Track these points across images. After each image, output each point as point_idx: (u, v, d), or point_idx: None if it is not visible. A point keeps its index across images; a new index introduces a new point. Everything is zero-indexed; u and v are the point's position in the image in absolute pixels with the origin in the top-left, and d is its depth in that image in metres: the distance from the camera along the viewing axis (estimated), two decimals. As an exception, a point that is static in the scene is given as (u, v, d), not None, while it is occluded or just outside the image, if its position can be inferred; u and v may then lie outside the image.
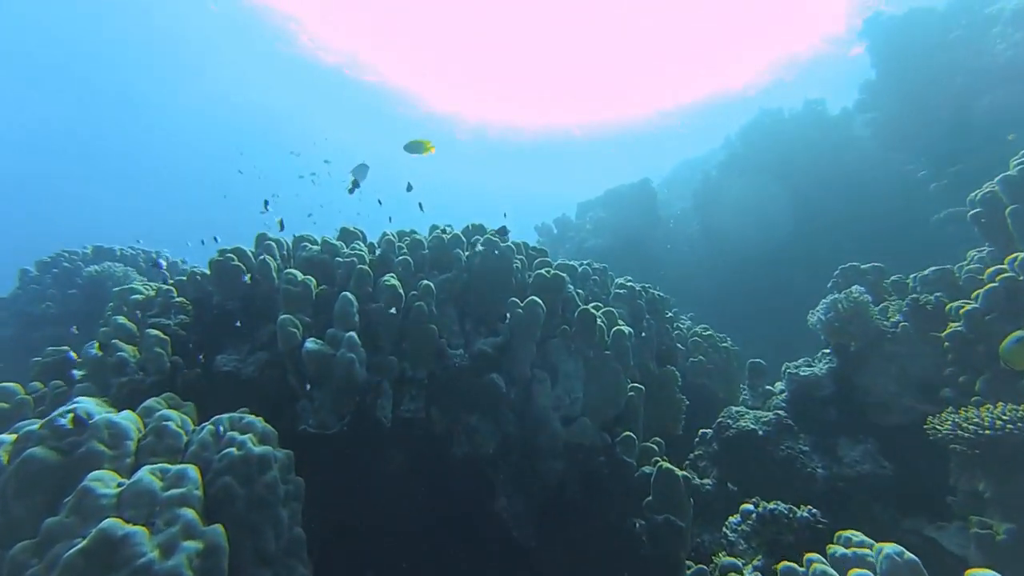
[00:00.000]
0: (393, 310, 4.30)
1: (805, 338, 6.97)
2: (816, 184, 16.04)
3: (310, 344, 3.86)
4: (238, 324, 4.39)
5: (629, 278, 7.06)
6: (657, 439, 4.84)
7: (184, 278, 4.83)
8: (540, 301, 4.54)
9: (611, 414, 4.57)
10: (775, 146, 17.12)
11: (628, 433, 4.49)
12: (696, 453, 6.05)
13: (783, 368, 6.33)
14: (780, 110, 17.77)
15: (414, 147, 6.18)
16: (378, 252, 5.12)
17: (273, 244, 5.16)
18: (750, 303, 15.88)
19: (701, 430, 6.11)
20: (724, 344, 8.07)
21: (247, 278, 4.62)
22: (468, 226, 5.87)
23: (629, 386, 4.70)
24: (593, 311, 4.75)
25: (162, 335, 4.10)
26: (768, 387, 6.95)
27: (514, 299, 4.63)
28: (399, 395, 4.16)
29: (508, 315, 4.60)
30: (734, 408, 5.97)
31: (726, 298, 15.71)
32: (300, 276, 4.40)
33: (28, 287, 10.23)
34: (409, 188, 6.86)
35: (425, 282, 4.59)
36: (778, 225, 16.30)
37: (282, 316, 4.02)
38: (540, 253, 5.82)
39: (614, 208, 16.91)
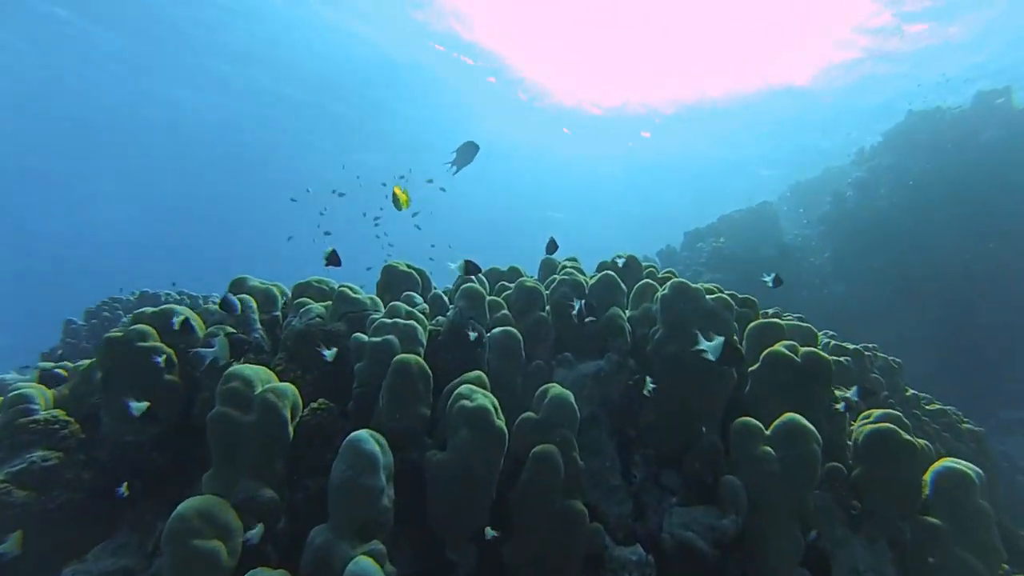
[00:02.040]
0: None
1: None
2: (1003, 200, 12.15)
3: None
4: (122, 492, 2.09)
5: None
6: None
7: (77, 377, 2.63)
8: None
9: None
10: (935, 156, 13.39)
11: None
12: None
13: None
14: (938, 110, 14.07)
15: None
16: (447, 316, 2.74)
17: (250, 300, 2.90)
18: (916, 356, 12.04)
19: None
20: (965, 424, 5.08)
21: (169, 375, 2.35)
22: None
23: None
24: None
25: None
26: None
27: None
28: None
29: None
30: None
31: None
32: (260, 382, 2.07)
33: (67, 341, 8.93)
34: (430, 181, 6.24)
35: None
36: (946, 254, 12.51)
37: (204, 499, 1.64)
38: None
39: (729, 237, 13.83)
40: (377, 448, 1.90)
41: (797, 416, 2.33)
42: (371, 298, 2.84)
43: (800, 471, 2.20)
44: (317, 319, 2.65)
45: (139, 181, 40.13)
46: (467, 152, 4.78)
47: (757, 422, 2.37)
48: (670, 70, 19.57)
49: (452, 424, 2.05)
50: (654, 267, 4.05)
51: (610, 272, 2.93)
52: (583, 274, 3.12)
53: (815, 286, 14.47)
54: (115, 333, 2.40)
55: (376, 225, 12.53)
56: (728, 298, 2.74)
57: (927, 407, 5.29)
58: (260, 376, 2.15)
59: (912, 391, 4.88)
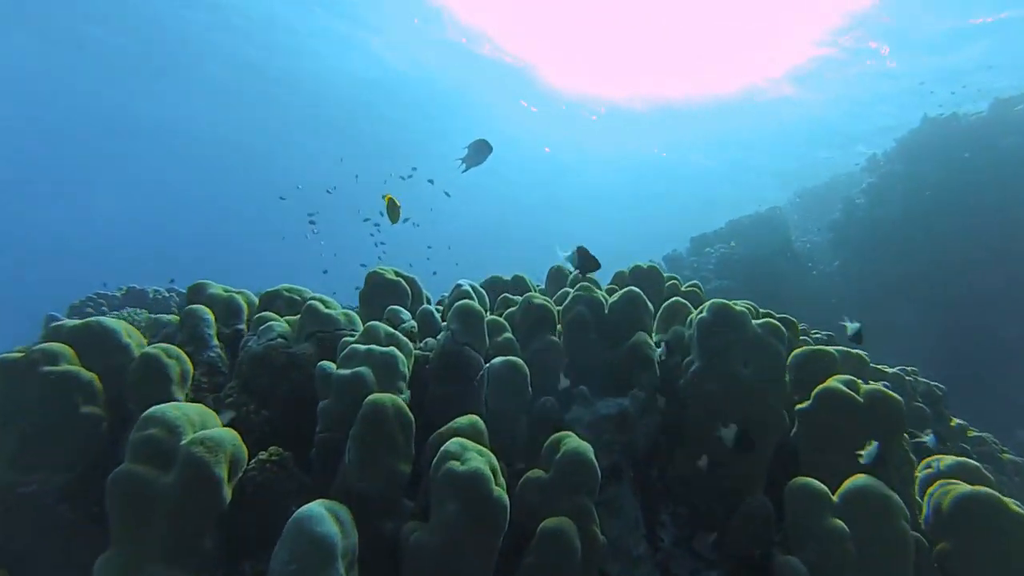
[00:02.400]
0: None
1: None
2: (1022, 211, 11.67)
3: None
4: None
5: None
6: None
7: None
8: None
9: None
10: (951, 164, 12.90)
11: None
12: None
13: None
14: (954, 116, 13.58)
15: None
16: (437, 340, 2.24)
17: (204, 312, 2.40)
18: (927, 374, 11.59)
19: None
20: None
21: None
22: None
23: None
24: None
25: None
26: None
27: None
28: None
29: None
30: None
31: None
32: (189, 427, 1.57)
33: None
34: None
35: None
36: (961, 266, 12.03)
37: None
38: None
39: (738, 243, 13.34)
40: (335, 529, 1.40)
41: (873, 481, 1.83)
42: (346, 314, 2.33)
43: (886, 557, 1.70)
44: (279, 340, 2.14)
45: (136, 180, 39.70)
46: (479, 151, 4.27)
47: (823, 487, 1.86)
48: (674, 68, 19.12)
49: (437, 493, 1.54)
50: (676, 280, 3.54)
51: (634, 289, 2.42)
52: (600, 289, 2.62)
53: (823, 296, 14.00)
54: (12, 355, 1.90)
55: (366, 222, 12.04)
56: (779, 324, 2.24)
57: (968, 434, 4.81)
58: (190, 418, 1.64)
59: (957, 420, 4.38)
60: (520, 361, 2.05)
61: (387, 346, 2.03)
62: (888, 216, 13.49)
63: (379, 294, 2.90)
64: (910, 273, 12.65)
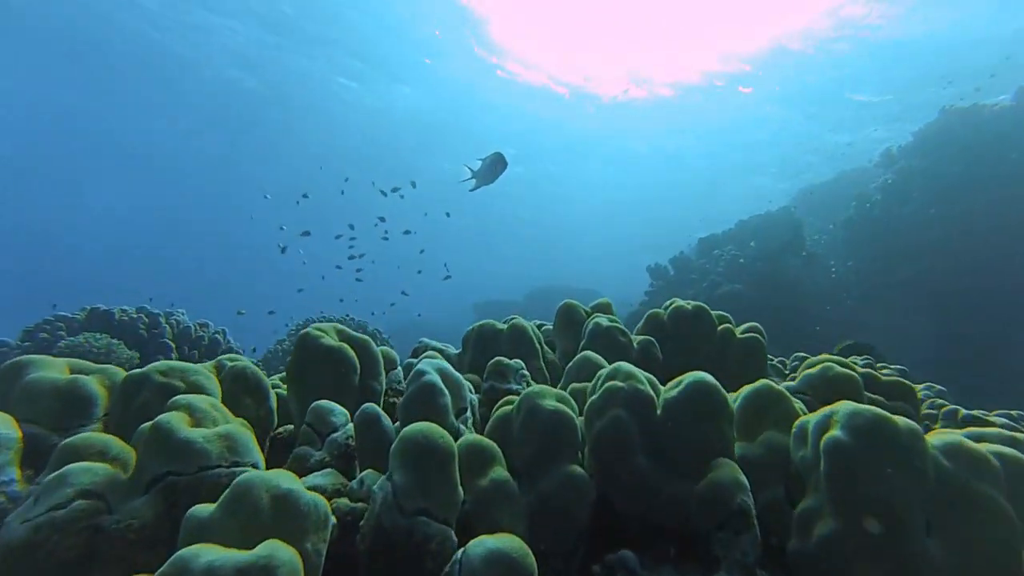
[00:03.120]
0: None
1: None
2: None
3: None
4: None
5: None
6: None
7: None
8: None
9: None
10: (973, 158, 11.96)
11: None
12: None
13: None
14: (975, 107, 12.64)
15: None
16: (372, 505, 1.26)
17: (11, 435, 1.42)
18: (948, 379, 10.71)
19: None
20: None
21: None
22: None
23: None
24: None
25: None
26: None
27: None
28: None
29: None
30: None
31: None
32: None
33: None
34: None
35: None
36: (985, 267, 11.11)
37: None
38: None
39: (748, 244, 12.40)
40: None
41: None
42: (226, 436, 1.36)
43: None
44: (79, 506, 1.17)
45: (130, 187, 38.82)
46: (493, 168, 3.52)
47: None
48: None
49: None
50: (730, 324, 2.57)
51: (706, 379, 1.45)
52: (643, 379, 1.62)
53: (838, 298, 13.07)
54: None
55: (338, 239, 11.13)
56: (981, 454, 1.27)
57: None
58: None
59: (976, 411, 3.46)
60: (520, 552, 1.07)
61: (275, 517, 1.07)
62: (906, 213, 12.56)
63: (313, 370, 1.93)
64: (931, 270, 11.73)
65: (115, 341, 7.58)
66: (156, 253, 51.47)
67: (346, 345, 2.01)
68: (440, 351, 2.61)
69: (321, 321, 9.18)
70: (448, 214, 11.65)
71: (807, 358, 2.56)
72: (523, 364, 2.03)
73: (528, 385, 1.93)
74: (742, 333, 2.55)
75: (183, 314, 8.48)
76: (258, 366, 2.00)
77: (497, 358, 2.03)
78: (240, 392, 1.85)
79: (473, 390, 1.93)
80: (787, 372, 2.96)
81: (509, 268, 46.01)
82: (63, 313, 8.30)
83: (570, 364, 2.02)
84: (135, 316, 8.34)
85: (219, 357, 2.01)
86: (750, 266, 11.88)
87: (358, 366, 1.96)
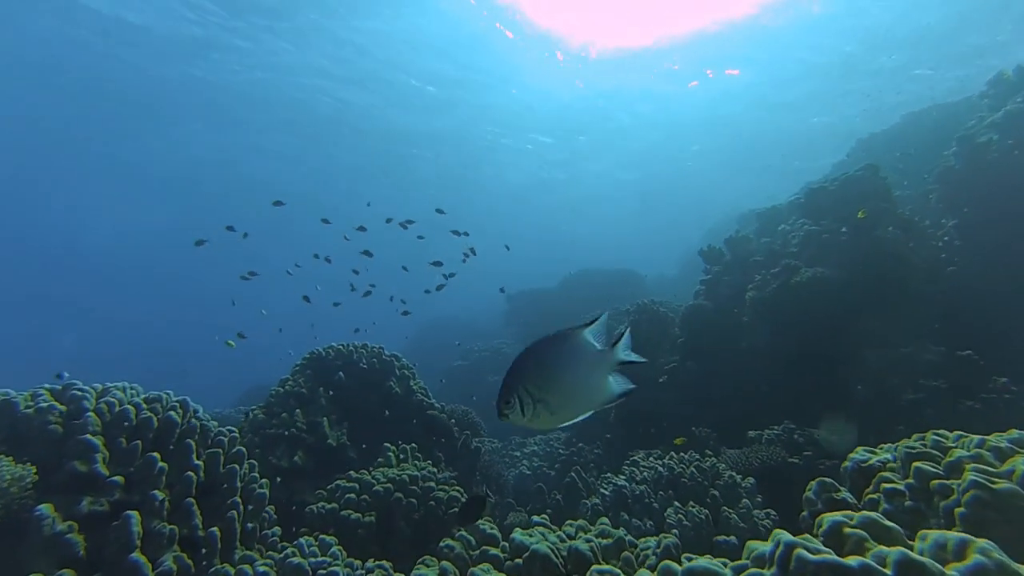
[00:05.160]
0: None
1: None
2: None
3: None
4: None
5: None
6: None
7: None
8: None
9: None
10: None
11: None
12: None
13: None
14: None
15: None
16: None
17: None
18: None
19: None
20: None
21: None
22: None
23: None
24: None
25: None
26: None
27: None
28: None
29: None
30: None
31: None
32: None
33: None
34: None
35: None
36: None
37: None
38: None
39: (827, 217, 9.73)
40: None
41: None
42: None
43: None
44: None
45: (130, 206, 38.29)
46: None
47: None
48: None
49: None
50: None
51: None
52: None
53: (935, 270, 10.19)
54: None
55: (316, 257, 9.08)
56: None
57: None
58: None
59: None
60: None
61: None
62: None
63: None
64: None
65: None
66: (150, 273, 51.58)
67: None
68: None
69: (330, 351, 7.19)
70: (466, 233, 9.69)
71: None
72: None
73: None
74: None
75: (126, 389, 6.42)
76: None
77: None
78: None
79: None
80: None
81: (538, 255, 43.72)
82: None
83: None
84: (46, 406, 5.69)
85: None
86: (832, 242, 9.24)
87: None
